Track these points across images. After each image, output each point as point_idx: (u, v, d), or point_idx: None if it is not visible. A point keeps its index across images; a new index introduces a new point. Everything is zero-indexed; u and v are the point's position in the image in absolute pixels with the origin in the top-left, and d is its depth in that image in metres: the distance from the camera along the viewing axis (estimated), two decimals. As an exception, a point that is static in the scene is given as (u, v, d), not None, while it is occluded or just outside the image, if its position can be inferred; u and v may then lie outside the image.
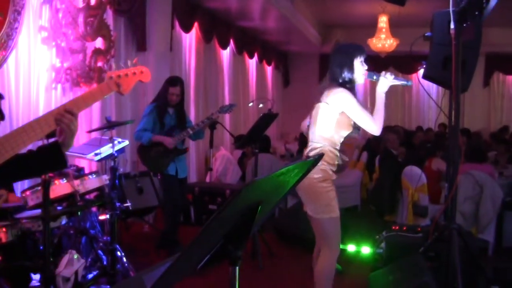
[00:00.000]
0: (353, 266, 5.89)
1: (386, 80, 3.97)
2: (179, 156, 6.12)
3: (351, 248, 6.22)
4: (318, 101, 4.07)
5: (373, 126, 3.94)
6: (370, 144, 10.69)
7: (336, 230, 4.03)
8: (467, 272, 4.38)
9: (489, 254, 6.52)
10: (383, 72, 4.03)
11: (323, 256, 4.05)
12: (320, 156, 2.36)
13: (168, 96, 6.03)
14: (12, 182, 2.51)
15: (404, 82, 4.08)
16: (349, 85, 4.03)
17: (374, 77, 4.04)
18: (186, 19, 9.61)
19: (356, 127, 4.04)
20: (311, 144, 4.09)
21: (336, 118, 3.96)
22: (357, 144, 11.66)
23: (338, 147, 4.03)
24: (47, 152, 2.41)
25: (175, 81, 6.13)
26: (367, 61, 4.10)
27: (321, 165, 3.91)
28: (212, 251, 1.77)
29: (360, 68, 4.05)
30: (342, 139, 4.03)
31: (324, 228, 4.04)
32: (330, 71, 4.11)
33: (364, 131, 4.11)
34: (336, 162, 4.02)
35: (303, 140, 4.24)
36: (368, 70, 4.08)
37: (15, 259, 4.23)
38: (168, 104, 6.08)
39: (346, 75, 4.02)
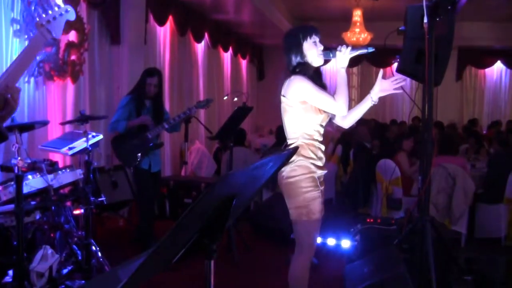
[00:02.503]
0: (329, 259, 5.92)
1: (343, 54, 3.70)
2: (154, 151, 6.09)
3: (326, 241, 6.25)
4: (280, 95, 3.85)
5: (335, 106, 3.69)
6: (345, 137, 10.75)
7: (310, 233, 3.79)
8: (441, 263, 4.44)
9: (462, 245, 6.62)
10: (339, 47, 3.72)
11: (295, 259, 3.87)
12: (294, 149, 2.37)
13: (146, 87, 5.98)
14: None
15: (363, 51, 3.80)
16: (303, 70, 3.77)
17: (331, 55, 3.76)
18: (160, 12, 9.55)
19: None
20: (287, 142, 3.87)
21: (300, 107, 3.73)
22: (332, 137, 11.73)
23: (316, 138, 3.79)
24: None
25: (153, 72, 6.09)
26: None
27: (298, 160, 3.69)
28: (187, 244, 1.77)
29: (312, 50, 3.79)
30: (318, 128, 3.80)
31: (297, 230, 3.82)
32: (285, 60, 3.88)
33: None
34: (319, 155, 3.79)
35: (281, 134, 4.08)
36: (324, 49, 3.80)
37: (-12, 254, 4.19)
38: (145, 96, 6.03)
39: (296, 60, 3.80)
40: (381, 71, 4.05)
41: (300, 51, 3.80)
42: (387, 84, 3.92)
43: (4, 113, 2.35)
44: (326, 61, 3.93)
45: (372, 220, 5.60)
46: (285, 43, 3.89)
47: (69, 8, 2.58)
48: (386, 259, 4.48)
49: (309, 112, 3.74)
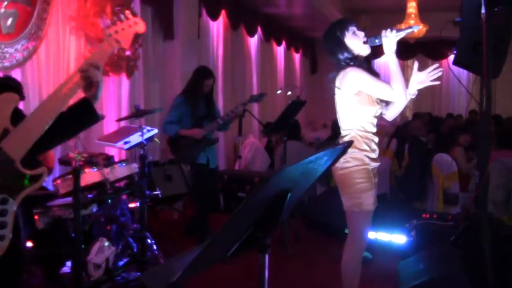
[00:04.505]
0: (382, 254, 5.85)
1: (389, 39, 3.60)
2: (209, 146, 6.11)
3: (380, 236, 6.17)
4: (333, 89, 3.80)
5: (393, 93, 3.61)
6: (399, 131, 10.59)
7: (362, 225, 3.77)
8: (498, 261, 4.33)
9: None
10: (383, 32, 3.62)
11: (347, 250, 3.84)
12: (349, 143, 2.33)
13: (203, 88, 6.01)
14: (51, 145, 2.58)
15: (409, 30, 3.72)
16: (355, 62, 3.72)
17: (377, 41, 3.66)
18: (213, 6, 9.59)
19: (382, 101, 3.78)
20: (341, 134, 3.84)
21: (354, 99, 3.69)
22: (386, 131, 11.58)
23: (369, 130, 3.74)
24: (78, 109, 2.46)
25: (209, 73, 6.10)
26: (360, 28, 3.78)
27: (352, 152, 3.65)
28: (241, 238, 1.77)
29: (355, 41, 3.72)
30: (372, 120, 3.75)
31: (350, 221, 3.80)
32: (332, 61, 3.83)
33: (389, 118, 3.97)
34: (372, 147, 3.74)
35: (336, 127, 4.00)
36: (368, 36, 3.72)
37: (47, 246, 4.29)
38: (200, 96, 6.06)
39: (344, 56, 3.74)
40: (416, 63, 3.92)
41: (344, 47, 3.74)
42: (423, 76, 3.84)
43: (90, 94, 2.44)
44: (377, 52, 3.87)
45: (428, 216, 5.51)
46: (327, 46, 3.85)
47: (139, 20, 2.62)
48: (441, 256, 4.40)
49: (363, 104, 3.69)
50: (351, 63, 3.72)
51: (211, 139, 6.08)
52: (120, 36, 2.56)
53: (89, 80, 2.40)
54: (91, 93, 2.45)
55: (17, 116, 2.24)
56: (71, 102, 2.44)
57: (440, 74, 3.85)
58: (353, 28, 3.75)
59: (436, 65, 3.95)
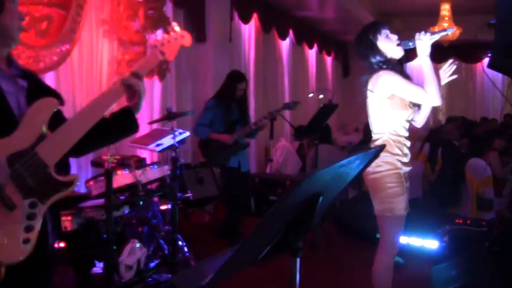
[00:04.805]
0: (414, 259, 5.79)
1: (423, 41, 3.55)
2: (241, 150, 6.12)
3: (412, 241, 6.11)
4: (365, 92, 3.76)
5: (427, 96, 3.56)
6: (432, 135, 10.49)
7: (394, 230, 3.72)
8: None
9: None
10: (417, 34, 3.57)
11: (378, 255, 3.80)
12: (381, 147, 2.31)
13: (236, 92, 6.03)
14: (89, 151, 2.60)
15: (443, 33, 3.68)
16: (388, 65, 3.68)
17: (410, 44, 3.61)
18: (245, 9, 9.61)
19: (415, 105, 3.73)
20: (373, 137, 3.81)
21: (387, 103, 3.65)
22: (419, 135, 11.47)
23: (402, 134, 3.70)
24: (119, 117, 2.49)
25: (242, 77, 6.14)
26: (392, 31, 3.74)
27: (384, 156, 3.60)
28: (273, 242, 1.76)
29: (388, 44, 3.68)
30: (404, 124, 3.71)
31: (381, 225, 3.76)
32: (364, 65, 3.80)
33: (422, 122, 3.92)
34: (404, 151, 3.69)
35: (368, 131, 3.95)
36: (401, 39, 3.68)
37: (79, 247, 4.33)
38: (233, 100, 6.08)
39: (376, 59, 3.70)
40: (451, 65, 3.86)
41: (377, 50, 3.70)
42: (440, 74, 3.78)
43: (132, 103, 2.47)
44: (410, 55, 3.83)
45: (461, 221, 5.43)
46: (359, 49, 3.81)
47: (185, 33, 2.63)
48: (475, 262, 4.34)
49: (396, 107, 3.65)
50: (384, 66, 3.68)
51: (242, 143, 6.09)
52: (166, 48, 2.58)
53: (130, 88, 2.42)
54: (133, 103, 2.47)
55: (56, 121, 2.24)
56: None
57: (455, 67, 3.80)
58: (386, 31, 3.71)
59: (451, 60, 3.88)
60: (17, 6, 2.24)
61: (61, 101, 2.33)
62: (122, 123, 2.51)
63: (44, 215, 2.13)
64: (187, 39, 2.67)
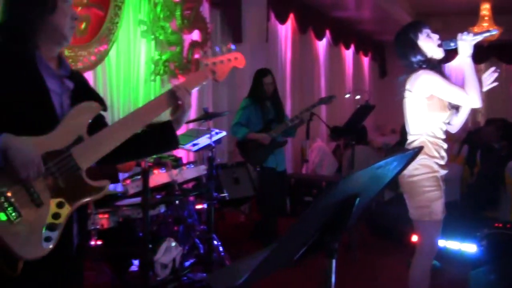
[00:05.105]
0: (451, 263, 5.71)
1: (466, 42, 3.47)
2: (278, 149, 6.11)
3: (450, 244, 6.02)
4: (403, 92, 3.68)
5: (467, 98, 3.48)
6: (471, 137, 10.33)
7: (432, 234, 3.64)
8: None
9: None
10: (459, 35, 3.50)
11: (415, 260, 3.73)
12: (419, 149, 2.27)
13: (264, 87, 6.03)
14: (125, 161, 2.59)
15: (486, 34, 3.61)
16: (428, 65, 3.60)
17: (452, 44, 3.53)
18: (281, 10, 9.60)
19: (453, 107, 3.65)
20: (409, 139, 3.72)
21: (425, 103, 3.56)
22: (457, 137, 11.30)
23: (439, 136, 3.61)
24: (159, 131, 2.46)
25: (266, 71, 6.14)
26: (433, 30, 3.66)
27: (420, 159, 3.51)
28: (309, 242, 1.75)
29: (429, 43, 3.60)
30: (441, 125, 3.63)
31: (419, 230, 3.70)
32: (403, 64, 3.72)
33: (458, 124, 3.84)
34: (442, 154, 3.61)
35: (405, 132, 3.87)
36: (442, 39, 3.59)
37: (116, 245, 4.37)
38: (264, 96, 6.08)
39: (416, 59, 3.61)
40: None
41: (417, 50, 3.61)
42: (482, 79, 3.65)
43: (176, 116, 2.44)
44: (450, 55, 3.76)
45: (500, 225, 5.32)
46: (398, 48, 3.73)
47: (240, 55, 2.60)
48: (514, 267, 4.26)
49: (434, 109, 3.57)
50: (424, 66, 3.60)
51: (279, 142, 6.08)
52: (217, 68, 2.54)
53: (176, 100, 2.40)
54: (175, 116, 2.44)
55: (97, 126, 2.25)
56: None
57: (496, 74, 3.70)
58: (427, 31, 3.63)
59: (493, 68, 3.78)
60: (70, 5, 2.25)
61: (104, 106, 2.34)
62: (161, 137, 2.48)
63: (71, 216, 2.14)
64: (241, 62, 2.62)
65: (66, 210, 2.08)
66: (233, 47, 2.60)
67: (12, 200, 1.97)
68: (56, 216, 2.05)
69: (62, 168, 2.09)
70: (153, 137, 2.46)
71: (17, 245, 1.95)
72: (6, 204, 1.96)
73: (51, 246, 2.02)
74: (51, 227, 2.03)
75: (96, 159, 2.21)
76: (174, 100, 2.40)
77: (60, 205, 2.07)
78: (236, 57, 2.60)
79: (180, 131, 2.44)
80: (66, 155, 2.11)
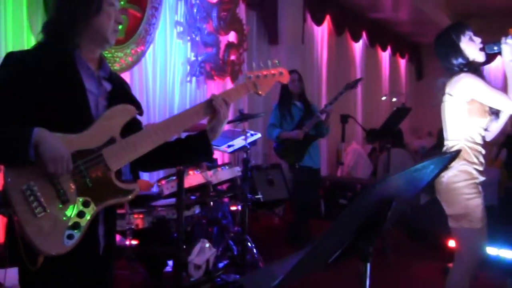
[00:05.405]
0: (490, 269, 5.61)
1: (510, 46, 3.37)
2: (313, 145, 6.10)
3: (488, 250, 5.92)
4: (442, 96, 3.58)
5: (510, 103, 3.38)
6: (510, 140, 10.15)
7: (471, 243, 3.53)
8: None
9: None
10: (503, 39, 3.38)
11: (453, 268, 3.64)
12: (457, 152, 2.23)
13: (290, 84, 6.03)
14: (157, 169, 2.58)
15: None
16: (469, 68, 3.49)
17: (495, 48, 3.42)
18: (318, 12, 9.58)
19: (493, 113, 3.54)
20: (446, 144, 3.63)
21: (466, 108, 3.46)
22: (495, 141, 11.12)
23: (478, 141, 3.50)
24: (194, 140, 2.43)
25: (289, 71, 6.14)
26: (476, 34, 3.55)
27: (460, 165, 3.43)
28: (343, 245, 1.73)
29: (471, 47, 3.49)
30: (480, 131, 3.51)
31: (458, 237, 3.59)
32: (444, 66, 3.61)
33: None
34: (480, 160, 3.49)
35: (443, 135, 3.77)
36: (485, 43, 3.49)
37: (150, 245, 4.39)
38: (292, 95, 6.10)
39: (458, 61, 3.51)
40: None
41: (459, 52, 3.52)
42: None
43: (211, 126, 2.42)
44: (490, 58, 3.67)
45: (540, 230, 5.23)
46: (439, 49, 3.63)
47: (284, 71, 2.58)
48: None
49: (474, 114, 3.47)
50: (465, 69, 3.50)
51: (313, 135, 6.07)
52: (260, 82, 2.53)
53: (213, 109, 2.38)
54: (211, 126, 2.41)
55: (131, 129, 2.25)
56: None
57: None
58: (469, 33, 3.54)
59: None
60: (116, 9, 2.27)
61: (140, 110, 2.34)
62: (195, 146, 2.44)
63: (97, 217, 2.15)
64: (285, 77, 2.60)
65: (91, 210, 2.08)
66: (277, 62, 2.58)
67: (38, 194, 1.98)
68: (81, 214, 2.06)
69: (91, 168, 2.10)
70: (186, 146, 2.44)
71: (38, 239, 1.95)
72: (32, 198, 1.97)
73: (72, 244, 2.02)
74: (74, 226, 2.03)
75: (127, 161, 2.20)
76: (211, 109, 2.38)
77: (86, 204, 2.07)
78: (281, 72, 2.58)
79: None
80: (97, 155, 2.11)
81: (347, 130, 8.11)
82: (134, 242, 4.26)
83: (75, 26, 2.16)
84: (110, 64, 5.31)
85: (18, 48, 2.25)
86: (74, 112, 2.13)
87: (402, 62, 15.65)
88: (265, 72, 2.54)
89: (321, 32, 10.25)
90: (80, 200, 2.07)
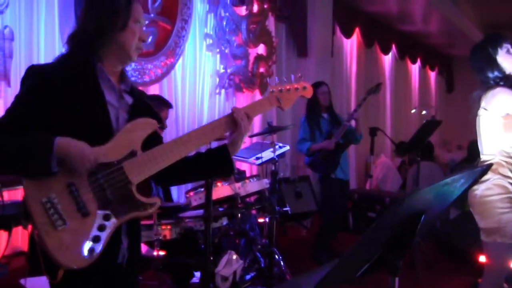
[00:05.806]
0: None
1: None
2: (343, 157, 6.10)
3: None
4: (477, 109, 3.52)
5: None
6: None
7: (503, 257, 3.45)
8: None
9: None
10: None
11: (483, 282, 3.57)
12: (488, 166, 2.19)
13: (320, 97, 6.02)
14: (177, 183, 2.55)
15: None
16: (506, 82, 3.43)
17: None
18: (347, 24, 9.57)
19: None
20: (481, 158, 3.55)
21: (501, 122, 3.40)
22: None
23: None
24: (214, 155, 2.42)
25: (319, 83, 6.15)
26: None
27: (495, 179, 3.38)
28: (372, 259, 1.72)
29: (509, 60, 3.43)
30: None
31: (489, 251, 3.51)
32: (479, 79, 3.56)
33: None
34: None
35: (473, 149, 3.70)
36: None
37: (177, 256, 4.40)
38: (320, 108, 6.10)
39: (494, 75, 3.45)
40: None
41: (495, 65, 3.46)
42: None
43: (231, 140, 2.40)
44: None
45: None
46: (474, 62, 3.58)
47: (308, 85, 2.57)
48: None
49: (509, 129, 3.41)
50: (501, 83, 3.44)
51: (343, 143, 6.05)
52: (283, 96, 2.51)
53: (234, 123, 2.36)
54: (231, 139, 2.39)
55: (152, 143, 2.24)
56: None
57: None
58: (507, 46, 3.47)
59: None
60: (141, 26, 2.26)
61: (161, 124, 2.33)
62: (216, 161, 2.42)
63: (119, 229, 2.13)
64: (308, 92, 2.58)
65: (112, 223, 2.07)
66: (301, 77, 2.57)
67: (59, 206, 1.98)
68: (101, 227, 2.05)
69: (111, 180, 2.09)
70: (207, 160, 2.42)
71: (59, 252, 1.95)
72: (52, 210, 1.97)
73: (94, 258, 2.01)
74: (95, 239, 2.02)
75: (148, 175, 2.19)
76: (233, 123, 2.37)
77: (106, 218, 2.06)
78: (305, 86, 2.56)
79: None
80: (117, 168, 2.11)
81: (376, 143, 8.07)
82: (161, 253, 4.27)
83: (100, 38, 2.17)
84: (140, 76, 5.40)
85: (51, 59, 2.25)
86: (94, 124, 2.13)
87: (432, 75, 15.54)
88: (288, 87, 2.53)
89: (350, 45, 10.24)
90: (101, 213, 2.06)
